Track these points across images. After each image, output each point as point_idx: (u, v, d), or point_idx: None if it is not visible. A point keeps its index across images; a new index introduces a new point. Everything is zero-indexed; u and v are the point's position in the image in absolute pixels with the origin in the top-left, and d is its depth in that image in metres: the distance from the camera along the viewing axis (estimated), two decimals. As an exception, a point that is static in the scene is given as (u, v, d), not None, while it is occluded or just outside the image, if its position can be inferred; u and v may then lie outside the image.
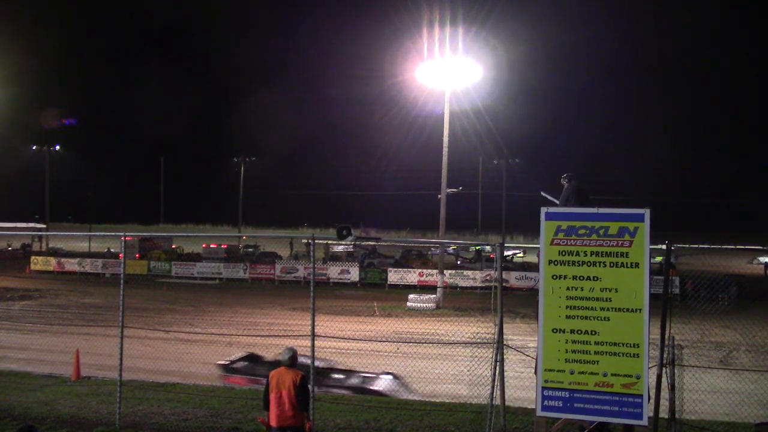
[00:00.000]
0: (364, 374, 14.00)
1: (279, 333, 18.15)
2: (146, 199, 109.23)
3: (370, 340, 16.41)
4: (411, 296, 31.52)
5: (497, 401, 9.26)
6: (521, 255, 52.71)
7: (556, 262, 7.47)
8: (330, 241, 52.46)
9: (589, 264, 7.36)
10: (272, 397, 7.82)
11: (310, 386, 8.53)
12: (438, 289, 32.51)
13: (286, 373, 7.88)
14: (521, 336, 19.14)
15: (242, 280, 43.89)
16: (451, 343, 17.81)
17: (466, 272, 42.14)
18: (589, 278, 7.34)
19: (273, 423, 7.79)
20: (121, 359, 10.90)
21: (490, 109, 42.04)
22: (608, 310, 7.27)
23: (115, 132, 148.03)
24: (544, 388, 7.47)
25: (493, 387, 9.20)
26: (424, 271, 41.53)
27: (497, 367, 9.22)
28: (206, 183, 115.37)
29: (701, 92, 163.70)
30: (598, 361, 7.29)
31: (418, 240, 72.91)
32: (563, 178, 10.04)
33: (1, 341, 17.08)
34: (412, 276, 41.16)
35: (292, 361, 7.97)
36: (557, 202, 9.70)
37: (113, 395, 10.82)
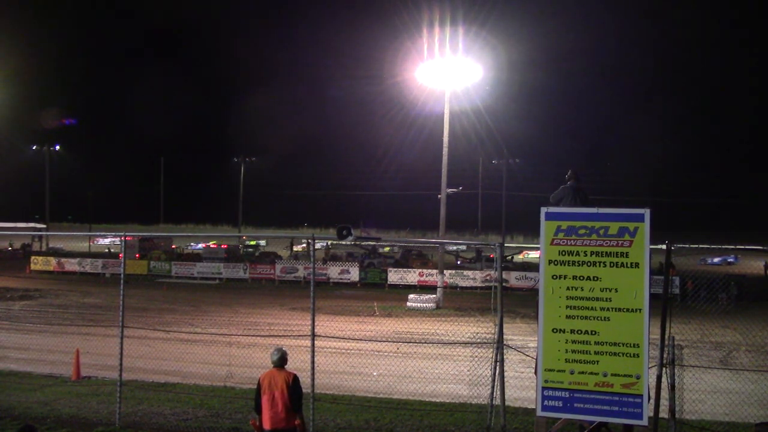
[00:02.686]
0: None
1: (279, 333, 18.14)
2: (146, 199, 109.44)
3: (370, 340, 16.42)
4: (411, 296, 31.48)
5: (497, 401, 9.27)
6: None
7: (556, 262, 7.47)
8: (330, 241, 52.44)
9: (589, 264, 7.35)
10: (264, 399, 7.59)
11: (306, 386, 8.47)
12: (438, 289, 32.50)
13: (278, 374, 7.68)
14: (521, 336, 19.13)
15: (242, 280, 43.90)
16: (451, 343, 17.80)
17: (466, 272, 42.15)
18: (589, 278, 7.34)
19: (266, 426, 7.56)
20: (121, 359, 10.91)
21: (490, 109, 41.98)
22: (608, 310, 7.27)
23: (115, 132, 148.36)
24: (544, 388, 7.47)
25: (493, 387, 9.22)
26: (424, 271, 41.54)
27: (497, 367, 9.23)
28: (206, 183, 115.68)
29: (701, 92, 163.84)
30: (598, 361, 7.29)
31: (418, 240, 72.89)
32: (567, 177, 10.06)
33: (1, 341, 17.07)
34: (412, 276, 41.16)
35: (282, 361, 7.77)
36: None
37: (113, 395, 10.83)
